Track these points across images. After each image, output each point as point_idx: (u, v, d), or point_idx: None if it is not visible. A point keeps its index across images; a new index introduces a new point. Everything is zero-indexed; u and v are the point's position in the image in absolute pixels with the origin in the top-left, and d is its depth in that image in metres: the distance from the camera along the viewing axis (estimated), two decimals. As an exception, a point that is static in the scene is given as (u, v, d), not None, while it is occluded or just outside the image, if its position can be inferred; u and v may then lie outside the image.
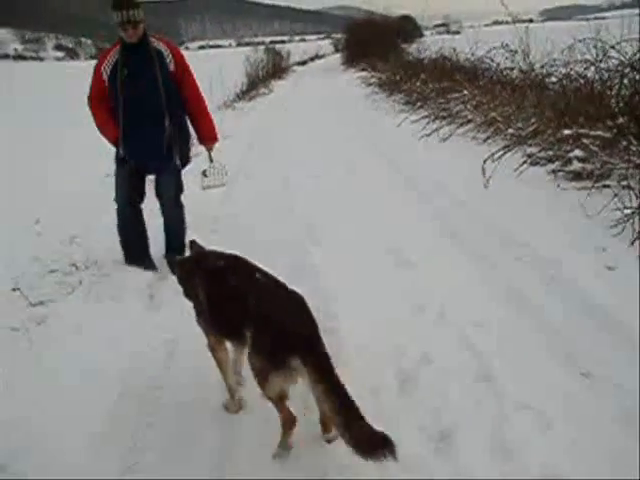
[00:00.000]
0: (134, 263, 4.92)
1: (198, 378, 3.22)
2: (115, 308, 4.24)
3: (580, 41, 7.35)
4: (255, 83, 23.62)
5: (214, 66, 20.52)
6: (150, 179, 4.90)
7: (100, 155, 5.96)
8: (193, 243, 3.31)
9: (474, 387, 2.88)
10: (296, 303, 2.68)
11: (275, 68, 30.09)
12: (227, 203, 6.55)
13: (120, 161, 4.70)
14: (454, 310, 3.64)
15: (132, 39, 4.37)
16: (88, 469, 2.60)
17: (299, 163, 8.24)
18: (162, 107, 4.49)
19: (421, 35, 45.02)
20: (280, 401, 2.52)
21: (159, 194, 4.93)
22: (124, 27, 4.29)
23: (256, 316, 2.56)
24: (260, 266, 2.92)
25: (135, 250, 4.98)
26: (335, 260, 4.63)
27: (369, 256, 4.67)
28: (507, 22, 12.51)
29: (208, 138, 4.91)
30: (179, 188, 4.92)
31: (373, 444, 2.16)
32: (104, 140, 4.66)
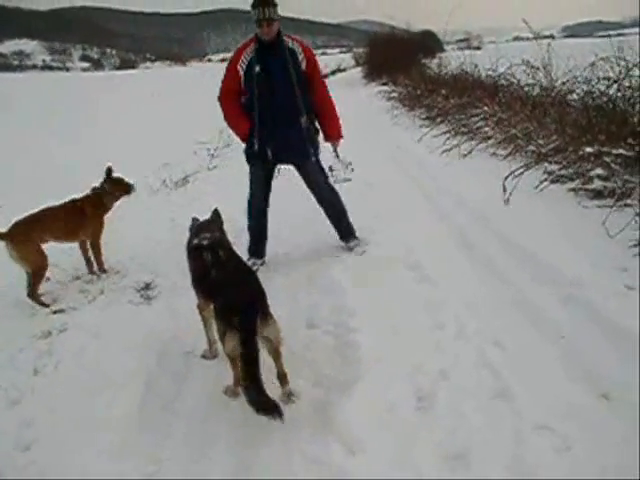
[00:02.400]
0: (255, 256, 5.24)
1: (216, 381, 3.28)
2: (135, 313, 4.33)
3: (602, 59, 7.31)
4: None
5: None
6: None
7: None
8: (194, 220, 3.87)
9: (491, 405, 2.87)
10: (245, 275, 3.25)
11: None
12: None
13: (253, 158, 4.97)
14: (472, 327, 3.63)
15: (266, 36, 4.62)
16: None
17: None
18: (298, 104, 4.74)
19: (442, 50, 44.98)
20: (233, 360, 2.97)
21: (310, 185, 5.16)
22: (260, 24, 4.55)
23: (215, 288, 3.20)
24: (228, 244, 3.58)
25: (258, 245, 5.28)
26: (355, 275, 4.65)
27: (388, 271, 4.68)
28: (528, 38, 12.51)
29: (334, 136, 5.12)
30: (326, 177, 5.17)
31: (265, 408, 2.68)
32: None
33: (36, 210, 4.79)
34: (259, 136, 4.82)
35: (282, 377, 3.10)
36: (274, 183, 5.20)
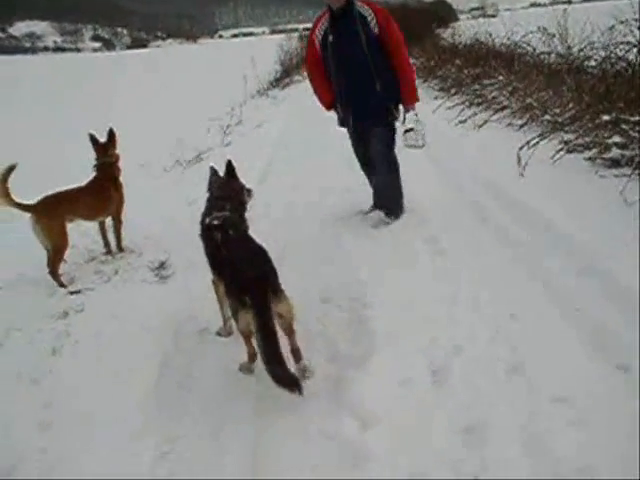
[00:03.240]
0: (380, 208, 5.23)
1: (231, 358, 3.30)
2: (150, 293, 4.36)
3: (622, 22, 7.12)
4: (289, 71, 23.63)
5: (248, 54, 20.61)
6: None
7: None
8: (212, 169, 3.87)
9: (506, 379, 2.84)
10: (255, 254, 3.18)
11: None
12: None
13: (342, 124, 5.17)
14: (487, 300, 3.60)
15: (334, 4, 4.66)
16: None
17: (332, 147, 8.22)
18: (371, 71, 4.72)
19: (456, 19, 44.41)
20: (246, 337, 3.03)
21: (372, 152, 5.10)
22: None
23: (226, 267, 3.18)
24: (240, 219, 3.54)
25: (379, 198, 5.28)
26: (370, 248, 4.64)
27: (403, 244, 4.67)
28: (545, 4, 12.23)
29: (408, 99, 4.94)
30: (390, 151, 5.06)
31: (287, 383, 2.71)
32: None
33: (63, 189, 4.81)
34: (340, 104, 5.00)
35: (295, 352, 3.09)
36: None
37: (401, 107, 5.04)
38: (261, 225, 4.59)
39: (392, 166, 5.10)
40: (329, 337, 3.42)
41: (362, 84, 4.78)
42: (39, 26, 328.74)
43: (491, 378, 2.86)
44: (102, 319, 3.95)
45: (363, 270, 4.21)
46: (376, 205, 5.31)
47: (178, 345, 3.58)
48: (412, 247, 4.59)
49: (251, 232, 3.51)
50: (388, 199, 5.19)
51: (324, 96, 5.15)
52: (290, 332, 3.07)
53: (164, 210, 6.18)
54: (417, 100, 5.03)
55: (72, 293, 4.46)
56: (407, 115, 5.06)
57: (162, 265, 4.86)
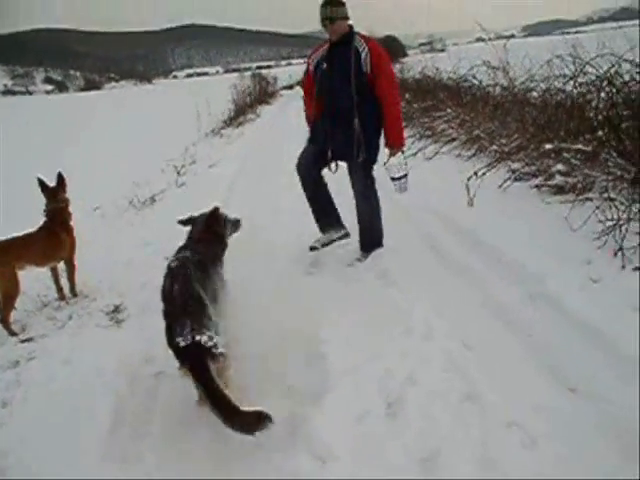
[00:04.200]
0: (324, 231, 5.23)
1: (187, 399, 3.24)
2: (104, 337, 4.28)
3: (557, 57, 7.42)
4: (242, 109, 23.82)
5: (202, 94, 20.73)
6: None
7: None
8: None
9: (460, 407, 2.88)
10: (192, 311, 2.94)
11: (261, 93, 30.38)
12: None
13: (310, 140, 5.16)
14: (441, 330, 3.65)
15: (332, 36, 4.75)
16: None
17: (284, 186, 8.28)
18: (352, 106, 4.72)
19: (405, 55, 45.47)
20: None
21: (352, 186, 5.12)
22: (324, 23, 4.69)
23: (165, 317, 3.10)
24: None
25: (323, 219, 5.25)
26: (325, 284, 4.67)
27: (356, 279, 4.71)
28: (490, 39, 12.65)
29: (394, 141, 4.92)
30: (367, 183, 5.03)
31: (250, 425, 2.59)
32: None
33: (11, 236, 4.72)
34: (314, 130, 5.09)
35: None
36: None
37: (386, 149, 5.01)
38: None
39: (370, 200, 5.09)
40: (285, 374, 3.41)
41: (343, 118, 4.79)
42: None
43: (446, 407, 2.89)
44: (55, 366, 3.85)
45: (316, 307, 4.20)
46: (327, 227, 5.28)
47: (133, 390, 3.51)
48: (365, 281, 4.63)
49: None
50: (366, 235, 5.20)
51: (309, 110, 5.23)
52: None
53: (119, 253, 6.11)
54: (404, 143, 5.08)
55: (24, 341, 4.35)
56: (392, 159, 5.00)
57: (117, 309, 4.79)
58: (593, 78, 6.43)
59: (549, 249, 4.51)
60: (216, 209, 3.74)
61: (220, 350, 2.82)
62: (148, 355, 3.87)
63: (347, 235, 5.26)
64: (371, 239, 5.17)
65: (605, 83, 6.15)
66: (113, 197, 9.08)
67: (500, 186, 6.21)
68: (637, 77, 5.92)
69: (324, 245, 5.21)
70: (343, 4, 4.71)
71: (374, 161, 5.00)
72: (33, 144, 19.51)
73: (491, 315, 3.82)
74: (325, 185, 5.21)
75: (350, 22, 4.80)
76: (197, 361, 2.75)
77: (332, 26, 4.69)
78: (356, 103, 4.72)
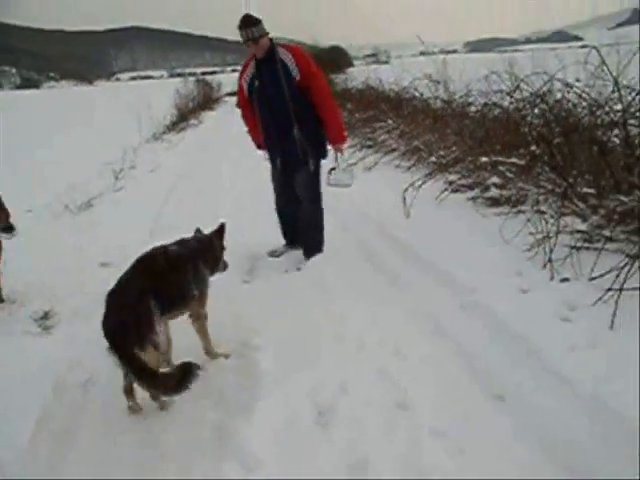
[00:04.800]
0: (288, 243, 5.66)
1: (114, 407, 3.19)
2: (32, 345, 4.11)
3: (493, 72, 7.60)
4: (185, 115, 23.53)
5: (144, 98, 20.38)
6: None
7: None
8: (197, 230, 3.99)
9: (391, 416, 2.90)
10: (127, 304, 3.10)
11: (205, 99, 30.10)
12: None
13: (270, 161, 5.34)
14: (373, 339, 3.67)
15: (258, 54, 4.86)
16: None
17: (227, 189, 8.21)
18: (290, 116, 4.90)
19: (351, 65, 45.88)
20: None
21: (298, 193, 5.27)
22: (247, 44, 4.81)
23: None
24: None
25: (287, 234, 5.67)
26: (261, 291, 4.62)
27: (292, 286, 4.69)
28: (433, 53, 12.88)
29: (334, 140, 5.14)
30: (314, 188, 5.22)
31: (179, 384, 2.84)
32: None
33: None
34: (266, 145, 5.27)
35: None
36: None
37: (330, 148, 5.24)
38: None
39: (315, 208, 5.28)
40: (216, 383, 3.36)
41: (284, 128, 4.96)
42: None
43: (376, 416, 2.90)
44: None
45: (250, 314, 4.17)
46: (293, 242, 5.59)
47: (58, 398, 3.38)
48: (300, 289, 4.61)
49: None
50: (308, 238, 5.36)
51: (255, 136, 5.43)
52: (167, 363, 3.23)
53: (51, 258, 5.90)
54: (345, 140, 5.26)
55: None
56: (338, 155, 5.27)
57: (46, 315, 4.61)
58: (527, 95, 6.61)
59: (482, 260, 4.59)
60: (223, 225, 4.01)
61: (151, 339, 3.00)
62: (77, 362, 3.74)
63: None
64: (314, 244, 5.32)
65: (538, 100, 6.33)
66: (48, 200, 8.81)
67: (437, 197, 6.29)
68: (567, 96, 6.13)
69: (278, 255, 5.58)
70: (259, 21, 4.83)
71: (321, 158, 5.22)
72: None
73: (423, 324, 3.86)
74: (297, 202, 5.37)
75: (269, 35, 4.91)
76: (121, 341, 2.92)
77: (256, 45, 4.81)
78: (293, 112, 4.87)
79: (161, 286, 3.22)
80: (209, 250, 3.82)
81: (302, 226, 5.38)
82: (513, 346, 3.42)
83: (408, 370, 3.29)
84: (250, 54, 5.04)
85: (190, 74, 49.23)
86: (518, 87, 7.00)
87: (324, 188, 5.36)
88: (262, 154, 5.53)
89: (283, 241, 5.73)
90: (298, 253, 5.47)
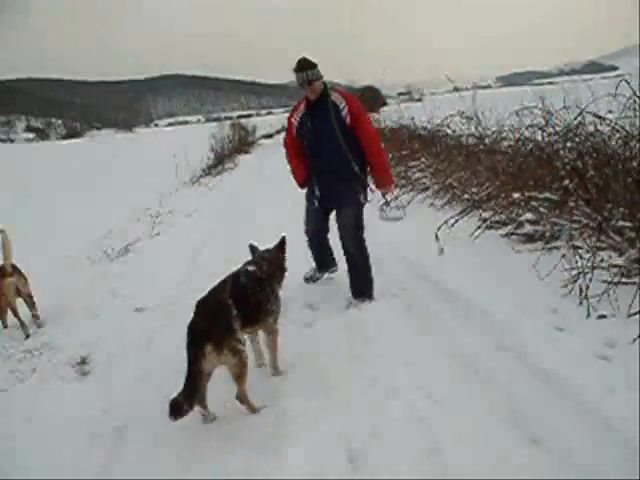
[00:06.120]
0: (320, 271, 5.99)
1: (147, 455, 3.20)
2: (68, 391, 4.19)
3: (526, 108, 7.58)
4: (221, 158, 23.95)
5: (181, 143, 20.81)
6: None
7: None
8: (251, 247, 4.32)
9: (422, 462, 2.84)
10: (211, 309, 3.50)
11: (241, 142, 30.59)
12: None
13: (309, 199, 5.51)
14: (405, 381, 3.63)
15: (312, 96, 5.05)
16: None
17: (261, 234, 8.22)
18: (343, 156, 5.04)
19: (385, 104, 46.26)
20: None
21: (340, 232, 5.34)
22: (302, 86, 5.01)
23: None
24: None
25: (320, 264, 5.96)
26: (290, 331, 4.63)
27: (326, 327, 4.70)
28: (466, 89, 12.88)
29: (381, 185, 5.28)
30: (357, 228, 5.29)
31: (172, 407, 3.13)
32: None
33: None
34: (311, 182, 5.41)
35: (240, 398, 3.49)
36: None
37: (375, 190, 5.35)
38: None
39: (360, 246, 5.31)
40: (247, 426, 3.37)
41: (332, 169, 5.13)
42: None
43: (407, 462, 2.85)
44: (14, 423, 3.75)
45: (282, 357, 4.17)
46: (323, 267, 5.95)
47: (92, 446, 3.41)
48: (333, 331, 4.60)
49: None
50: (361, 282, 5.32)
51: (298, 175, 5.56)
52: (236, 380, 3.44)
53: (88, 303, 6.03)
54: (392, 183, 5.37)
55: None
56: (386, 197, 5.43)
57: (84, 360, 4.71)
58: (559, 129, 6.57)
59: (517, 298, 4.54)
60: (284, 238, 4.34)
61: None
62: (109, 408, 3.79)
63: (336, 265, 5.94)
64: (362, 285, 5.31)
65: (571, 134, 6.29)
66: (87, 245, 9.03)
67: (471, 235, 6.25)
68: (600, 128, 6.08)
69: (315, 280, 5.98)
70: (315, 65, 4.99)
71: (362, 211, 5.31)
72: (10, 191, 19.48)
73: (457, 366, 3.79)
74: (327, 239, 5.75)
75: (323, 78, 5.08)
76: (196, 344, 3.27)
77: (311, 88, 4.99)
78: (346, 154, 5.04)
79: (243, 301, 3.59)
80: (279, 266, 4.21)
81: (349, 268, 5.40)
82: (549, 387, 3.33)
83: (440, 414, 3.23)
84: (302, 96, 5.24)
85: (226, 118, 50.14)
86: (548, 121, 6.99)
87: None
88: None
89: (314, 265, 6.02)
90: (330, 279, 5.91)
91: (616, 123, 5.81)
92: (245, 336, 3.67)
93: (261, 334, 4.09)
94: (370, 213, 5.43)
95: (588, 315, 4.02)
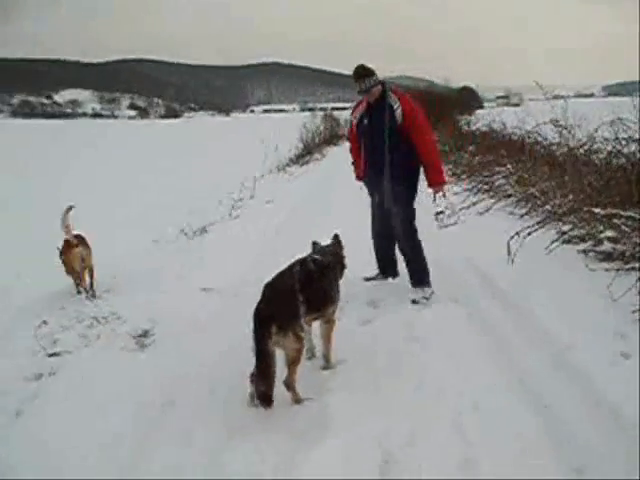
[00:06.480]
0: (383, 274, 5.95)
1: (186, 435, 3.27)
2: (126, 360, 4.36)
3: (619, 119, 7.22)
4: (310, 148, 24.15)
5: (274, 130, 21.12)
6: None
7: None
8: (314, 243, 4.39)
9: (456, 474, 2.77)
10: (277, 293, 3.60)
11: (331, 135, 30.66)
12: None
13: (370, 195, 5.79)
14: (452, 389, 3.54)
15: (371, 99, 5.33)
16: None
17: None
18: (384, 155, 5.26)
19: (481, 107, 45.24)
20: None
21: (392, 222, 5.54)
22: (360, 94, 5.33)
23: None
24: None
25: (382, 269, 5.97)
26: (347, 328, 4.62)
27: (379, 327, 4.69)
28: (568, 96, 12.42)
29: (433, 183, 5.40)
30: (407, 225, 5.45)
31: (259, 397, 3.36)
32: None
33: None
34: (367, 179, 5.68)
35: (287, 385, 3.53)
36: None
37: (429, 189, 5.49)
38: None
39: (413, 239, 5.47)
40: (289, 414, 3.41)
41: (380, 165, 5.34)
42: (82, 94, 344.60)
43: (441, 472, 2.79)
44: (72, 384, 3.92)
45: (337, 350, 4.17)
46: (384, 272, 5.94)
47: (137, 418, 3.50)
48: (390, 330, 4.56)
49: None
50: (412, 270, 5.52)
51: (357, 168, 5.88)
52: (290, 365, 3.50)
53: (159, 280, 6.24)
54: (444, 182, 5.48)
55: (51, 355, 4.48)
56: (437, 196, 5.46)
57: (145, 333, 4.88)
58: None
59: (584, 318, 4.34)
60: (337, 235, 4.52)
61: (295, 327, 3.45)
62: (161, 383, 3.91)
63: (396, 275, 5.91)
64: (420, 274, 5.47)
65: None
66: (169, 222, 9.33)
67: (547, 247, 6.03)
68: None
69: (373, 279, 5.92)
70: (372, 72, 5.26)
71: (412, 204, 5.46)
72: (109, 167, 20.42)
73: (510, 379, 3.67)
74: (392, 245, 5.78)
75: (381, 82, 5.33)
76: (262, 325, 3.35)
77: (368, 94, 5.28)
78: (389, 152, 5.26)
79: (309, 287, 3.68)
80: (339, 260, 4.32)
81: (405, 261, 5.59)
82: (604, 416, 3.16)
83: (483, 425, 3.14)
84: (364, 97, 5.41)
85: (321, 109, 50.38)
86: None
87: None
88: (361, 185, 5.95)
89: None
90: (391, 284, 5.80)
91: None
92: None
93: (317, 325, 4.12)
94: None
95: (658, 344, 3.80)
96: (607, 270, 5.17)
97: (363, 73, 5.23)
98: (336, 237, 4.49)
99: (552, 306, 4.62)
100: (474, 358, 4.01)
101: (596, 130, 7.99)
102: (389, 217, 5.54)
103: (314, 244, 4.38)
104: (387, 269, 5.95)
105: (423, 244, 5.52)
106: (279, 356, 3.45)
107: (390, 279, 5.90)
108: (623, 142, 7.24)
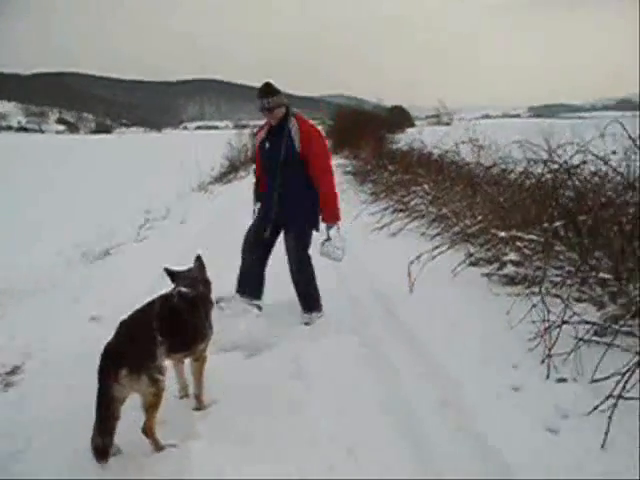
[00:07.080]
0: (242, 294, 5.37)
1: None
2: None
3: (527, 142, 7.20)
4: (236, 167, 23.81)
5: (204, 147, 20.72)
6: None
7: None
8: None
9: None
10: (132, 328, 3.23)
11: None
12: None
13: (256, 213, 5.47)
14: (328, 434, 3.24)
15: (272, 121, 5.13)
16: None
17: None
18: (276, 182, 5.12)
19: (412, 125, 46.09)
20: None
21: (286, 252, 5.28)
22: (262, 112, 5.09)
23: None
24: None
25: (244, 284, 5.39)
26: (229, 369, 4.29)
27: (268, 365, 4.32)
28: (496, 116, 12.56)
29: (328, 218, 5.19)
30: (299, 254, 5.21)
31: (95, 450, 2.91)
32: None
33: None
34: (265, 200, 5.31)
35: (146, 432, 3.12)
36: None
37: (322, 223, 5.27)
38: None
39: (304, 264, 5.24)
40: (145, 465, 3.04)
41: (281, 192, 5.14)
42: (6, 106, 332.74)
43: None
44: None
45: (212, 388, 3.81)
46: (243, 292, 5.38)
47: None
48: (273, 366, 4.24)
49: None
50: (306, 298, 5.30)
51: (259, 187, 5.49)
52: (147, 410, 3.09)
53: (46, 308, 5.77)
54: (338, 219, 5.22)
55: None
56: (330, 231, 5.22)
57: (15, 369, 4.43)
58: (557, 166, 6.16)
59: (479, 349, 4.15)
60: (199, 256, 4.05)
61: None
62: (16, 429, 3.48)
63: (259, 308, 5.34)
64: (307, 301, 5.29)
65: (568, 173, 5.87)
66: (72, 246, 8.81)
67: (453, 270, 5.88)
68: (604, 168, 5.71)
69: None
70: (277, 92, 5.04)
71: (307, 234, 5.24)
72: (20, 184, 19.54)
73: (394, 420, 3.38)
74: (264, 258, 5.40)
75: (285, 105, 5.12)
76: (109, 366, 2.97)
77: (271, 114, 5.06)
78: (284, 179, 5.10)
79: (173, 325, 3.33)
80: (208, 287, 3.94)
81: (295, 287, 5.32)
82: (485, 459, 2.93)
83: (356, 472, 2.88)
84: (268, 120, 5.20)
85: (254, 126, 50.19)
86: (551, 157, 6.58)
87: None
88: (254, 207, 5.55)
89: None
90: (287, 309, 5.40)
91: (619, 165, 5.49)
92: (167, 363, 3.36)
93: (187, 362, 3.75)
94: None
95: (548, 376, 3.61)
96: (509, 295, 5.04)
97: (267, 90, 5.02)
98: (199, 259, 4.04)
99: (447, 336, 4.42)
100: (357, 397, 3.71)
101: (510, 151, 7.97)
102: (263, 240, 5.29)
103: (168, 272, 3.92)
104: (252, 290, 5.40)
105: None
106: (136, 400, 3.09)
107: (251, 306, 5.32)
108: (532, 163, 7.22)
